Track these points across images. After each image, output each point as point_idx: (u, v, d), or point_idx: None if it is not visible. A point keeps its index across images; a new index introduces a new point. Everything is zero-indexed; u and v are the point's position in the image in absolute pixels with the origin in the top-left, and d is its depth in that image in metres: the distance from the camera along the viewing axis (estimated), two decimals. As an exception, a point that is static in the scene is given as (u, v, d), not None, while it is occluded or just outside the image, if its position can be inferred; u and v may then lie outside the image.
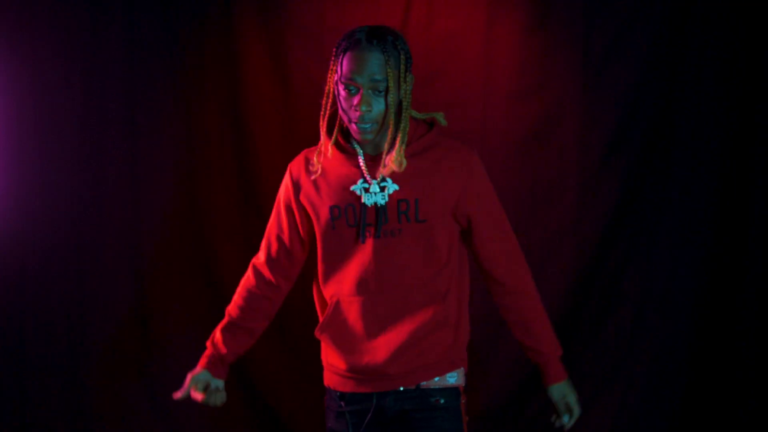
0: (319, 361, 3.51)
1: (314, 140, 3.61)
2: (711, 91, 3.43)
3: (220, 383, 2.24)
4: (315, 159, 2.11)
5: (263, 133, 3.54)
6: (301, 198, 2.14)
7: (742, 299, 3.42)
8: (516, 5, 3.49)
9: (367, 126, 1.99)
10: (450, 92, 3.48)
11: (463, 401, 2.12)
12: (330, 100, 2.07)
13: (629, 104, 3.47)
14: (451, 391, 2.09)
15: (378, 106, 1.98)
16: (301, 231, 2.19)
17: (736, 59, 3.40)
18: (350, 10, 3.51)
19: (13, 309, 3.44)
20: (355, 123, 1.99)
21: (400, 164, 1.99)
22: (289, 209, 2.19)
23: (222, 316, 3.56)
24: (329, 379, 2.19)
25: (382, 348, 2.05)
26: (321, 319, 2.19)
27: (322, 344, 2.20)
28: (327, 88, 2.07)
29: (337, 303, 2.11)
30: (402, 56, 2.01)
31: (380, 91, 1.97)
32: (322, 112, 2.09)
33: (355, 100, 1.98)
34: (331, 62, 2.07)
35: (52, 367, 3.46)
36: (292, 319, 3.57)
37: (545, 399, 3.52)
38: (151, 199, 3.53)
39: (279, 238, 2.23)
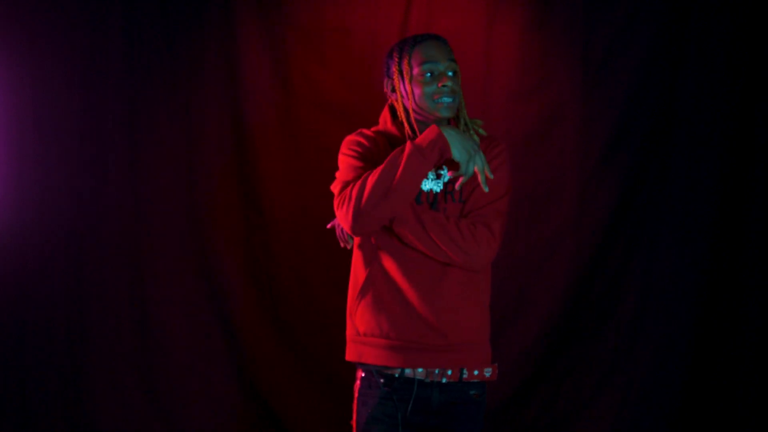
0: (320, 360, 3.47)
1: (314, 139, 3.61)
2: (711, 90, 3.43)
3: None
4: (405, 131, 2.22)
5: (263, 133, 3.54)
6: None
7: (742, 299, 3.42)
8: (516, 5, 3.49)
9: (450, 97, 2.17)
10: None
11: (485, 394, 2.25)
12: (400, 89, 2.20)
13: (629, 104, 3.47)
14: (485, 386, 2.22)
15: (456, 86, 2.19)
16: None
17: (736, 59, 3.40)
18: (350, 10, 3.51)
19: (13, 309, 3.44)
20: (442, 95, 2.16)
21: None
22: (366, 159, 2.21)
23: (221, 316, 3.58)
24: (366, 354, 2.17)
25: (428, 312, 2.12)
26: (359, 284, 2.20)
27: (361, 312, 2.18)
28: (392, 77, 2.22)
29: (379, 265, 2.16)
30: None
31: (454, 74, 2.19)
32: (394, 105, 2.24)
33: (441, 79, 2.17)
34: (397, 58, 2.22)
35: (52, 367, 3.46)
36: (293, 319, 3.58)
37: (545, 398, 3.56)
38: (151, 199, 3.53)
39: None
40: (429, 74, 2.18)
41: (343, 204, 2.10)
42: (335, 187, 2.18)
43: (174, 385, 3.54)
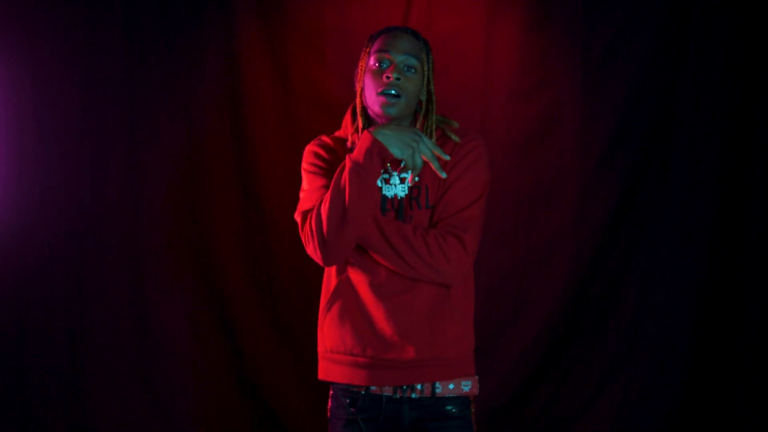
0: (319, 358, 3.47)
1: (314, 139, 3.60)
2: (711, 90, 3.43)
3: None
4: (350, 137, 2.08)
5: (263, 133, 3.54)
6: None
7: (742, 299, 3.42)
8: (516, 5, 3.49)
9: (393, 91, 1.97)
10: (450, 92, 3.48)
11: (473, 410, 2.12)
12: (360, 86, 2.05)
13: (629, 104, 3.47)
14: (464, 400, 2.08)
15: (406, 83, 1.98)
16: None
17: (736, 59, 3.40)
18: (350, 10, 3.51)
19: (13, 308, 3.44)
20: (383, 92, 1.97)
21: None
22: (328, 173, 2.08)
23: (221, 316, 3.58)
24: (333, 372, 2.06)
25: (396, 328, 1.99)
26: (327, 296, 2.09)
27: (327, 327, 2.07)
28: (358, 75, 2.07)
29: (347, 277, 2.05)
30: (430, 56, 2.06)
31: (412, 71, 1.99)
32: (353, 105, 2.11)
33: (387, 71, 1.98)
34: (363, 50, 2.08)
35: (52, 367, 3.46)
36: (293, 319, 3.58)
37: (545, 398, 3.56)
38: (151, 199, 3.53)
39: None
40: (378, 64, 2.00)
41: (308, 242, 1.97)
42: (297, 217, 2.06)
43: (174, 385, 3.54)
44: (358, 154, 1.92)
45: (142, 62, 3.50)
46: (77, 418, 3.47)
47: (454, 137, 2.08)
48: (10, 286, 3.44)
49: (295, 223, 3.64)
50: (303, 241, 2.01)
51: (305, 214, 2.02)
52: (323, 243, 1.94)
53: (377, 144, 1.91)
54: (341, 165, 1.95)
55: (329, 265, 2.01)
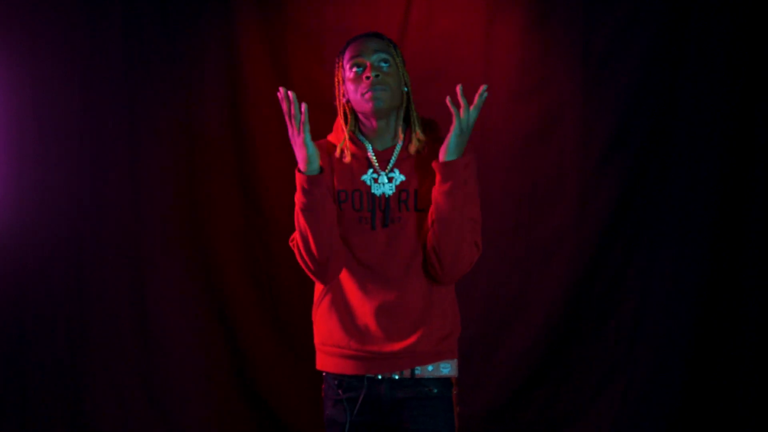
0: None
1: (314, 139, 3.60)
2: (711, 90, 3.43)
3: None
4: (339, 144, 2.20)
5: (263, 133, 3.54)
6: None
7: (742, 299, 3.42)
8: (516, 5, 3.49)
9: (380, 91, 2.10)
10: (450, 92, 3.46)
11: (455, 392, 2.19)
12: (341, 92, 2.20)
13: (629, 104, 3.46)
14: (445, 382, 2.16)
15: (386, 77, 2.12)
16: None
17: (736, 59, 3.40)
18: (350, 10, 3.51)
19: (13, 309, 3.44)
20: (369, 90, 2.10)
21: (421, 144, 2.14)
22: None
23: (221, 316, 3.58)
24: (324, 363, 2.21)
25: (379, 323, 2.12)
26: (319, 291, 2.23)
27: (318, 322, 2.21)
28: (336, 85, 2.21)
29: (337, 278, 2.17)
30: (399, 51, 2.19)
31: (386, 64, 2.13)
32: (339, 107, 2.23)
33: (365, 72, 2.12)
34: (336, 65, 2.22)
35: (52, 367, 3.46)
36: (293, 319, 3.58)
37: (545, 399, 3.56)
38: (151, 199, 3.53)
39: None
40: (356, 70, 2.15)
41: (306, 271, 2.16)
42: (291, 244, 2.21)
43: (174, 385, 3.54)
44: (297, 194, 2.12)
45: (142, 62, 3.50)
46: (77, 418, 3.47)
47: (439, 133, 2.21)
48: (10, 286, 3.44)
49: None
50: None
51: (295, 242, 2.19)
52: (319, 272, 2.13)
53: (300, 176, 2.09)
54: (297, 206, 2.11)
55: (329, 282, 2.17)
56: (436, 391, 2.14)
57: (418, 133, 2.15)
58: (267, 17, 3.52)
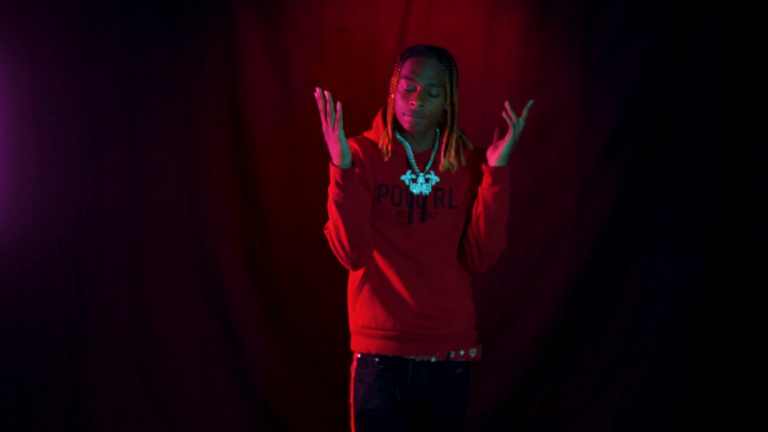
0: (320, 360, 3.51)
1: (314, 139, 3.62)
2: (710, 90, 3.43)
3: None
4: (381, 142, 2.34)
5: (263, 133, 3.54)
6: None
7: (742, 299, 3.42)
8: (516, 5, 3.49)
9: (418, 119, 2.28)
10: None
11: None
12: (392, 98, 2.34)
13: (629, 103, 3.47)
14: (470, 364, 2.40)
15: (429, 106, 2.28)
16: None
17: (736, 59, 3.41)
18: (350, 11, 3.51)
19: (13, 309, 3.44)
20: (410, 115, 2.28)
21: (453, 167, 2.33)
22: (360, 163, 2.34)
23: (221, 316, 3.58)
24: (366, 344, 2.34)
25: (421, 309, 2.31)
26: (357, 280, 2.36)
27: (359, 306, 2.34)
28: (391, 87, 2.34)
29: (374, 263, 2.33)
30: (454, 72, 2.34)
31: (435, 89, 2.28)
32: (386, 109, 2.36)
33: (413, 97, 2.27)
34: (396, 66, 2.34)
35: (52, 367, 3.46)
36: (293, 319, 3.58)
37: (545, 399, 3.56)
38: (151, 199, 3.53)
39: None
40: (406, 89, 2.29)
41: (338, 257, 2.31)
42: (325, 231, 2.33)
43: (174, 385, 3.54)
44: (331, 186, 2.24)
45: (142, 63, 3.50)
46: (77, 418, 3.47)
47: (469, 144, 2.40)
48: (10, 286, 3.44)
49: (296, 223, 3.66)
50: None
51: (329, 229, 2.32)
52: (350, 258, 2.28)
53: (334, 169, 2.21)
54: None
55: (359, 268, 2.33)
56: (464, 372, 2.37)
57: (451, 156, 2.32)
58: (267, 17, 3.52)
